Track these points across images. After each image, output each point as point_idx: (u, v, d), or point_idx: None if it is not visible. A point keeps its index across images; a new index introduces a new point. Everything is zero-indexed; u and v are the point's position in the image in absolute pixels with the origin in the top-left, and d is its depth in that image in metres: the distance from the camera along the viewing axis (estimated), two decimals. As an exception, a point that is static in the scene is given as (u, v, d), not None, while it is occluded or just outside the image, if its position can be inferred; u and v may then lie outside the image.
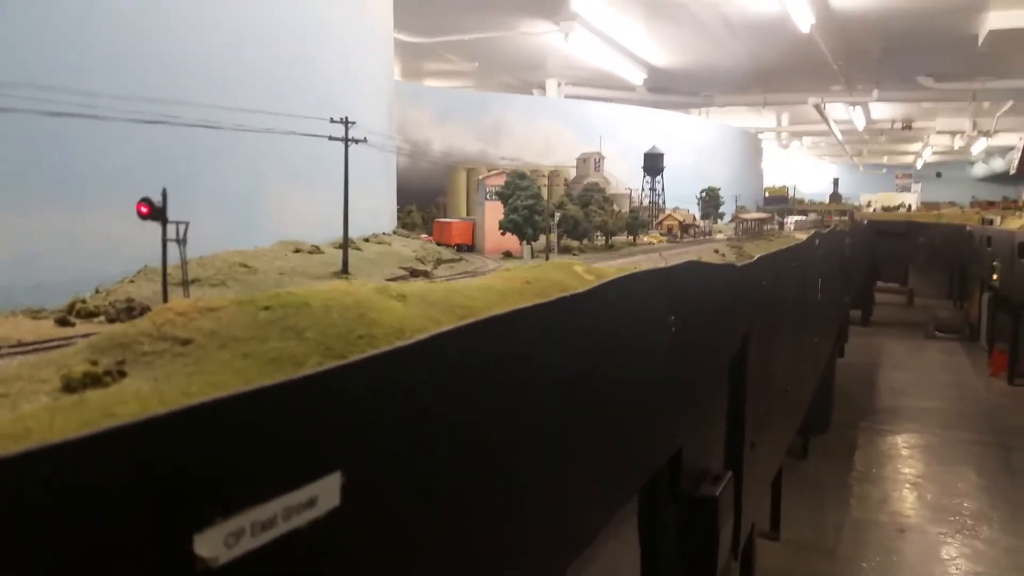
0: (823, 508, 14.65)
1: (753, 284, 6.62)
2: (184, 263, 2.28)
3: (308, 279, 3.75)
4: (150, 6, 3.68)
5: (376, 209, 5.64)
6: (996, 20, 16.17)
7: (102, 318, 2.70)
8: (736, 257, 7.68)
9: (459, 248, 7.54)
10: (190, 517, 1.25)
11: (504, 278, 3.01)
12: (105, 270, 3.34)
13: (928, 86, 23.42)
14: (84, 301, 2.89)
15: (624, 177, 14.13)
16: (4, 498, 0.99)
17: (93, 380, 1.49)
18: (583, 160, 12.55)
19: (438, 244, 7.44)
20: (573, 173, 13.17)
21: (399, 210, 8.09)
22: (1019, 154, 30.92)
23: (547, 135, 17.69)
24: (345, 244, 4.06)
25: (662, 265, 6.31)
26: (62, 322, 2.61)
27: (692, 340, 4.57)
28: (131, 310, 2.67)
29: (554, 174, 13.39)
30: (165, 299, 2.28)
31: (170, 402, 1.33)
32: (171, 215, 3.59)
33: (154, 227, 3.69)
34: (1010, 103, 27.96)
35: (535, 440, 2.55)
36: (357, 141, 3.98)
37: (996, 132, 31.15)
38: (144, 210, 2.14)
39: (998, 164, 42.81)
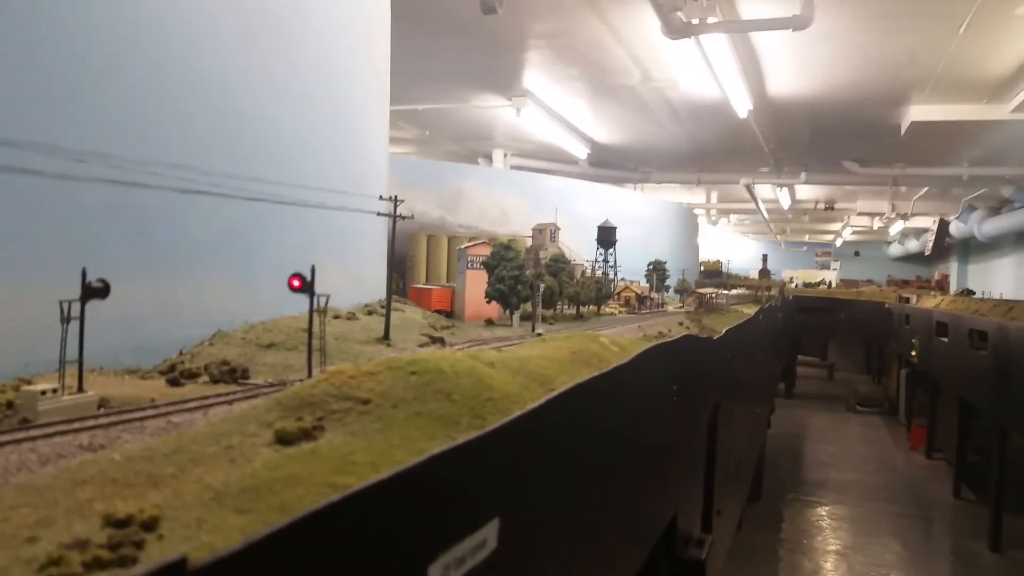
0: (758, 578, 14.95)
1: (722, 356, 7.04)
2: (323, 331, 2.48)
3: (357, 344, 3.94)
4: (237, 93, 3.92)
5: (380, 276, 5.87)
6: (917, 113, 17.52)
7: (206, 378, 2.85)
8: (699, 330, 8.12)
9: (436, 314, 7.75)
10: (429, 547, 1.45)
11: (553, 348, 3.29)
12: (187, 334, 3.48)
13: (852, 170, 24.88)
14: (182, 363, 3.03)
15: (574, 247, 14.60)
16: (340, 526, 1.19)
17: (305, 434, 1.69)
18: (539, 230, 12.93)
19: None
20: (529, 242, 13.56)
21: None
22: (933, 236, 32.92)
23: (502, 205, 18.18)
24: (388, 313, 4.28)
25: (640, 336, 6.68)
26: (173, 382, 2.75)
27: (684, 408, 4.90)
28: (233, 371, 2.83)
29: (511, 243, 13.70)
30: (309, 367, 2.47)
31: (385, 453, 1.54)
32: (240, 284, 3.78)
33: (226, 294, 3.87)
34: (926, 188, 29.92)
35: (598, 483, 2.80)
36: (404, 218, 4.23)
37: (912, 215, 33.19)
38: (296, 284, 2.35)
39: (913, 245, 45.38)
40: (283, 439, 1.68)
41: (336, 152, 5.11)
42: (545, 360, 2.96)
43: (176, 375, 2.80)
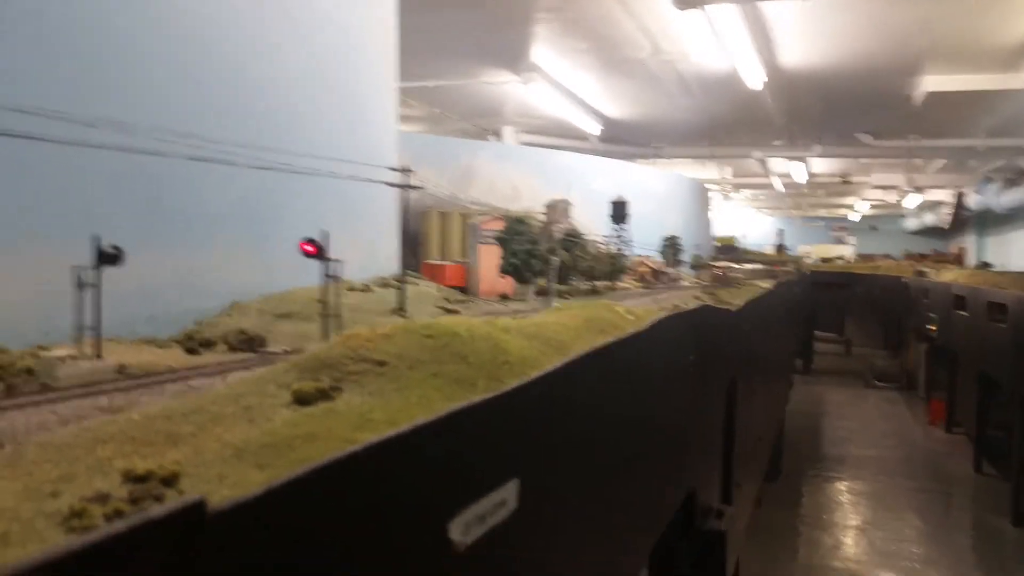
0: (777, 555, 14.96)
1: (740, 330, 7.01)
2: (338, 296, 2.47)
3: (373, 315, 3.94)
4: (249, 64, 3.93)
5: (393, 250, 5.87)
6: (932, 83, 17.25)
7: (223, 347, 2.86)
8: (715, 304, 8.08)
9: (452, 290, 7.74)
10: (448, 503, 1.45)
11: (568, 316, 3.28)
12: (201, 304, 3.50)
13: (866, 143, 24.60)
14: (198, 332, 3.05)
15: (586, 223, 14.54)
16: (368, 474, 1.19)
17: (322, 394, 1.69)
18: (551, 206, 12.88)
19: (430, 285, 7.64)
20: (541, 218, 13.51)
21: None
22: (950, 210, 32.57)
23: (514, 181, 18.09)
24: (403, 285, 4.27)
25: (654, 308, 6.65)
26: (190, 351, 2.76)
27: (702, 379, 4.88)
28: (250, 340, 2.84)
29: (526, 218, 13.63)
30: (326, 332, 2.47)
31: (403, 411, 1.54)
32: (254, 255, 3.78)
33: (240, 265, 3.87)
34: (943, 161, 29.58)
35: (616, 449, 2.80)
36: (415, 188, 4.21)
37: (929, 188, 32.85)
38: (310, 249, 2.34)
39: (929, 218, 44.90)
40: (301, 399, 1.68)
41: (346, 124, 5.10)
42: (560, 327, 2.95)
43: (194, 344, 2.82)
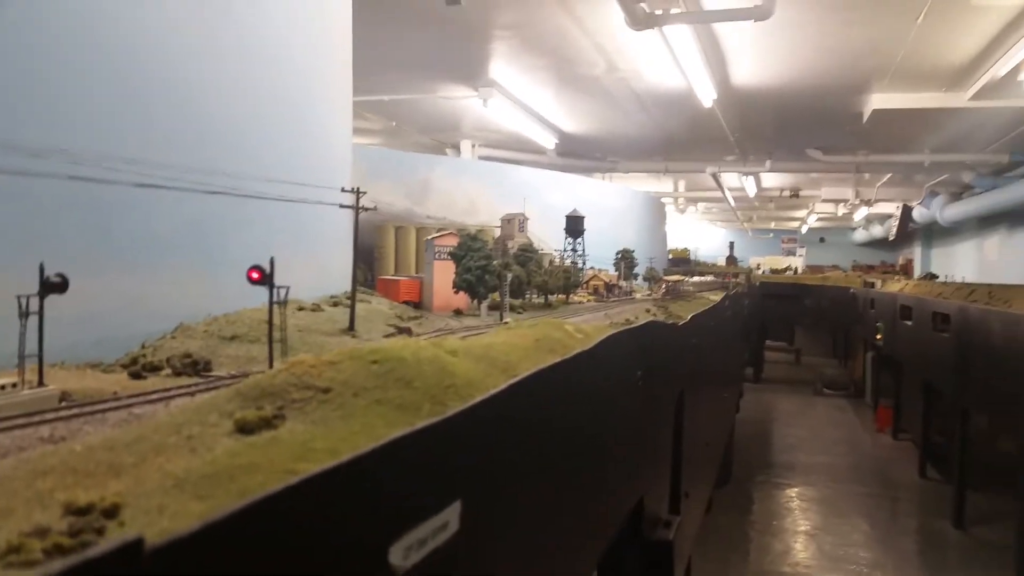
0: (728, 560, 15.15)
1: (687, 343, 7.14)
2: (284, 322, 2.49)
3: (322, 335, 3.95)
4: (197, 88, 3.90)
5: (346, 267, 5.87)
6: (879, 101, 17.82)
7: (168, 371, 2.85)
8: (665, 316, 8.22)
9: (405, 305, 7.76)
10: (389, 529, 1.48)
11: (517, 335, 3.33)
12: (149, 327, 3.48)
13: (816, 158, 25.23)
14: (144, 356, 3.03)
15: (542, 237, 14.69)
16: (298, 509, 1.23)
17: (265, 423, 1.71)
18: (508, 220, 13.00)
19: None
20: (498, 232, 13.62)
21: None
22: (897, 222, 33.48)
23: (470, 195, 18.19)
24: (353, 304, 4.28)
25: (606, 323, 6.75)
26: (135, 375, 2.75)
27: (650, 393, 4.98)
28: (195, 364, 2.83)
29: (480, 233, 13.69)
30: (271, 358, 2.48)
31: (346, 440, 1.57)
32: (203, 277, 3.77)
33: (188, 288, 3.86)
34: (889, 175, 30.43)
35: (562, 468, 2.85)
36: (367, 209, 4.24)
37: (876, 201, 33.74)
38: (255, 276, 2.36)
39: (877, 230, 46.08)
40: (244, 428, 1.70)
41: (298, 144, 5.10)
42: (508, 347, 3.01)
43: (138, 368, 2.81)
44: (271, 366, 2.46)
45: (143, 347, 3.37)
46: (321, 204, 4.09)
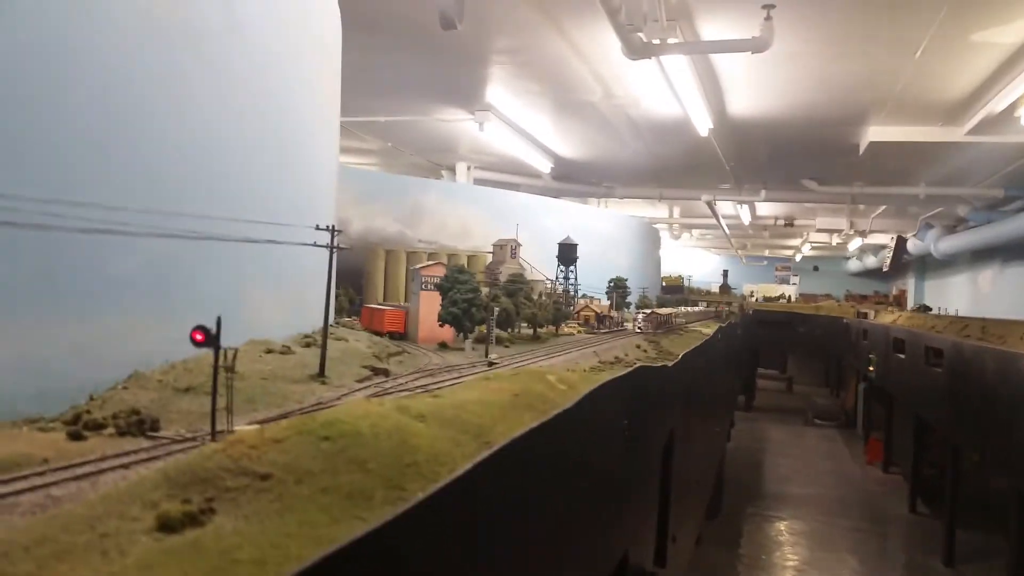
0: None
1: (678, 382, 6.95)
2: (230, 387, 2.30)
3: (288, 383, 3.74)
4: (156, 119, 3.70)
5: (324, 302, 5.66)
6: (875, 134, 17.77)
7: (112, 430, 2.64)
8: (656, 353, 8.03)
9: (391, 336, 7.55)
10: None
11: (493, 391, 3.14)
12: (99, 376, 3.26)
13: (811, 188, 25.18)
14: (88, 411, 2.82)
15: (536, 263, 14.52)
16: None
17: (191, 519, 1.51)
18: (500, 246, 12.85)
19: (367, 331, 7.44)
20: (490, 258, 13.47)
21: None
22: (891, 253, 33.46)
23: (464, 219, 18.03)
24: (324, 348, 4.08)
25: (595, 361, 6.56)
26: (74, 436, 2.54)
27: (638, 441, 4.78)
28: (141, 423, 2.63)
29: (472, 259, 13.60)
30: (213, 427, 2.28)
31: (278, 546, 1.38)
32: (159, 322, 3.56)
33: (144, 333, 3.65)
34: (883, 207, 30.43)
35: (541, 539, 2.65)
36: (342, 248, 4.05)
37: (871, 232, 33.73)
38: (199, 338, 2.17)
39: (871, 260, 46.10)
40: (166, 525, 1.50)
41: (277, 178, 4.90)
42: (483, 407, 2.81)
43: (79, 427, 2.59)
44: (213, 436, 2.26)
45: (91, 399, 3.16)
46: (290, 244, 3.89)
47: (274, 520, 1.56)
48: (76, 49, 3.28)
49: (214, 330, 2.12)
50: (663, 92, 14.67)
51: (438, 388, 3.91)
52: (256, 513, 1.59)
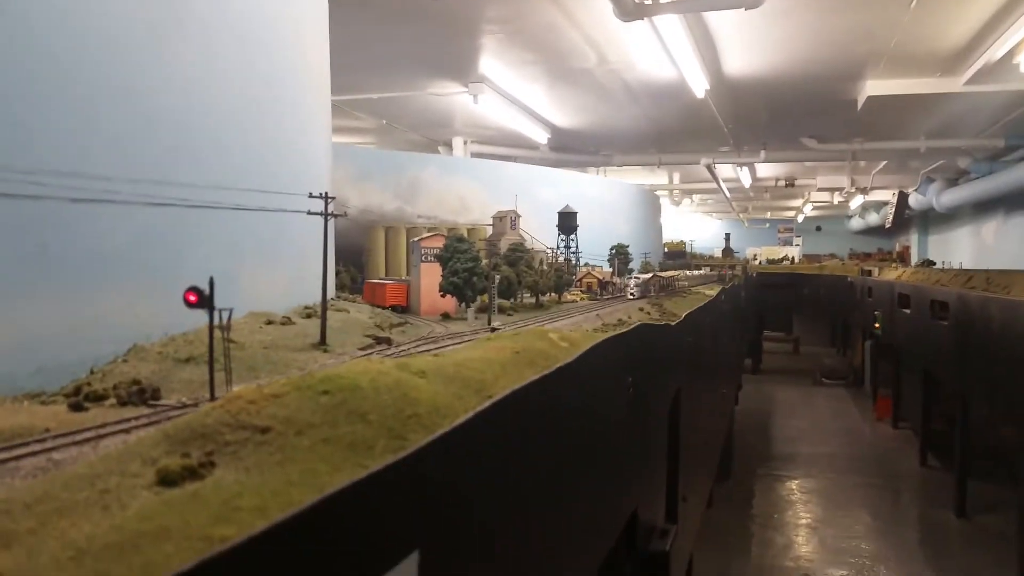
0: (729, 555, 15.03)
1: (682, 341, 6.94)
2: (227, 349, 2.29)
3: (290, 352, 3.74)
4: (141, 90, 3.66)
5: (328, 272, 5.65)
6: (873, 88, 17.64)
7: (113, 401, 2.64)
8: (660, 315, 8.02)
9: (393, 309, 7.55)
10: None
11: (495, 349, 3.13)
12: (98, 351, 3.26)
13: (811, 147, 25.05)
14: (89, 384, 2.82)
15: (536, 234, 14.47)
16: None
17: (190, 473, 1.51)
18: (499, 218, 12.81)
19: (369, 305, 7.44)
20: (490, 231, 13.43)
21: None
22: (893, 209, 33.31)
23: (462, 193, 17.96)
24: (323, 318, 4.08)
25: (599, 324, 6.55)
26: (76, 407, 2.54)
27: (643, 399, 4.78)
28: (142, 392, 2.63)
29: (472, 232, 13.56)
30: (212, 389, 2.28)
31: (280, 493, 1.38)
32: (158, 295, 3.56)
33: (143, 306, 3.64)
34: (884, 163, 30.27)
35: (545, 494, 2.66)
36: (337, 215, 4.02)
37: (872, 189, 33.60)
38: (192, 299, 2.15)
39: (873, 218, 45.89)
40: (166, 479, 1.50)
41: (268, 144, 4.85)
42: (485, 363, 2.80)
43: (80, 399, 2.60)
44: (212, 398, 2.25)
45: (92, 372, 3.16)
46: (284, 212, 3.87)
47: (275, 470, 1.55)
48: (61, 14, 3.25)
49: (208, 291, 2.11)
50: (658, 55, 14.54)
51: (439, 350, 3.91)
52: (257, 465, 1.59)
